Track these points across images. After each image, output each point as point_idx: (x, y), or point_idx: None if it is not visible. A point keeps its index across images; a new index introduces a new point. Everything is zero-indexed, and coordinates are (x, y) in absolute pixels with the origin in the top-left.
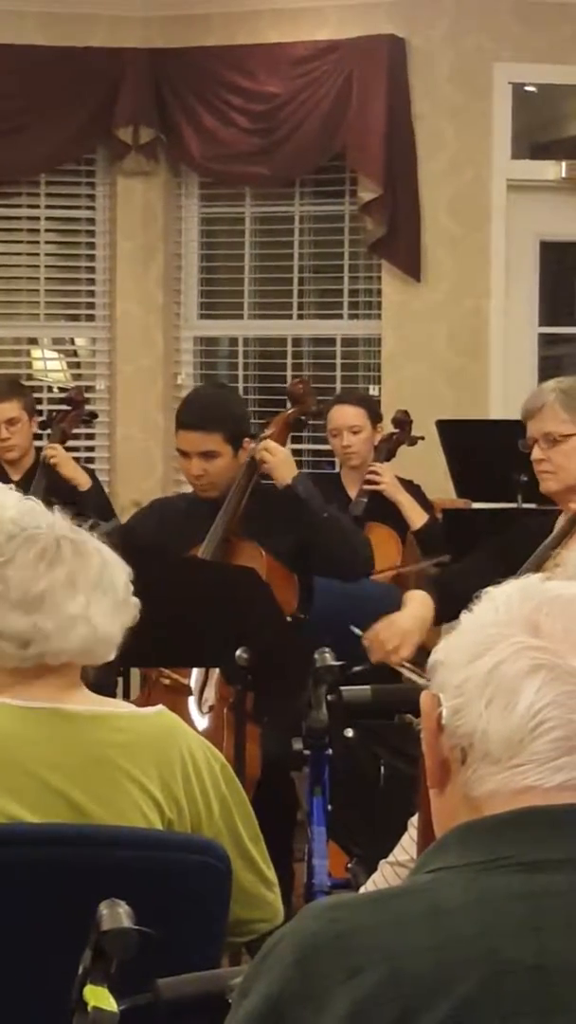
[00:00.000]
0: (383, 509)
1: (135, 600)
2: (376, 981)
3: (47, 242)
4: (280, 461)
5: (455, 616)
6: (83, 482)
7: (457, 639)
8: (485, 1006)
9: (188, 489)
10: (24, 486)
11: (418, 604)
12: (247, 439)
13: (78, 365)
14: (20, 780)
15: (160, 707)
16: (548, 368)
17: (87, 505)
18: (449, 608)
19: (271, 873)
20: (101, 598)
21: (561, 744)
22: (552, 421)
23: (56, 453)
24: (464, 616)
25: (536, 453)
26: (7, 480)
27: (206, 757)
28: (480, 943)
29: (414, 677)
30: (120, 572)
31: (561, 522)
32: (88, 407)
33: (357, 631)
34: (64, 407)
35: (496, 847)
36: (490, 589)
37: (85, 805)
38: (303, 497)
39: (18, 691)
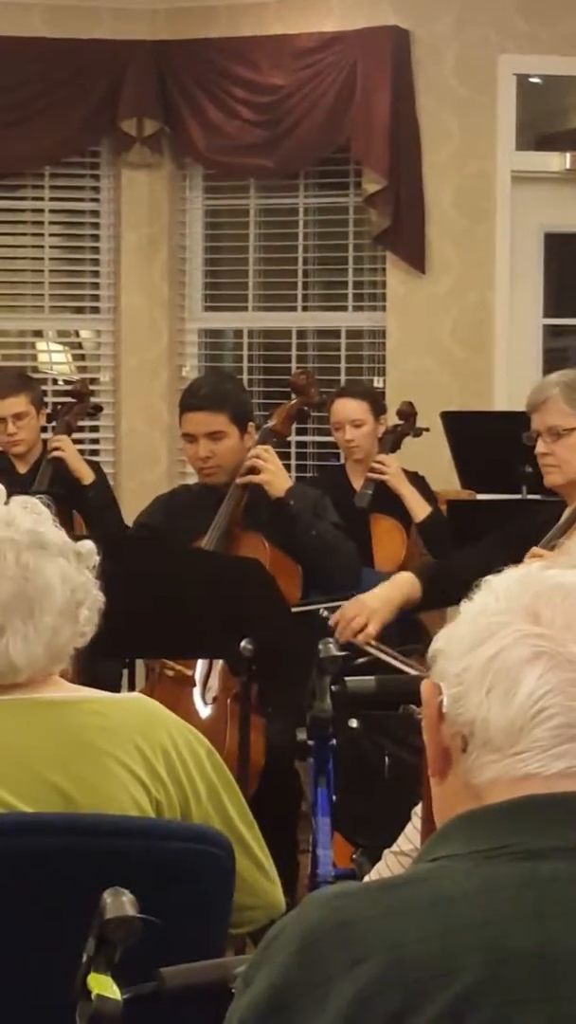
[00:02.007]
0: (388, 501)
1: (85, 613)
2: (379, 970)
3: (51, 234)
4: (272, 474)
5: (455, 601)
6: (86, 477)
7: (457, 628)
8: (488, 994)
9: (192, 481)
10: (31, 479)
11: (393, 585)
12: (251, 423)
13: (83, 358)
14: (8, 769)
15: (138, 694)
16: (553, 359)
17: (90, 500)
18: (447, 594)
19: (268, 861)
20: (20, 624)
21: (562, 732)
22: (556, 415)
23: (62, 446)
24: (464, 605)
25: (540, 447)
26: (14, 473)
27: (188, 742)
28: (483, 931)
29: (382, 656)
30: (56, 592)
31: (566, 513)
32: (93, 400)
33: (325, 612)
34: (69, 400)
35: (498, 835)
36: (490, 578)
37: (72, 791)
38: (294, 513)
39: None
